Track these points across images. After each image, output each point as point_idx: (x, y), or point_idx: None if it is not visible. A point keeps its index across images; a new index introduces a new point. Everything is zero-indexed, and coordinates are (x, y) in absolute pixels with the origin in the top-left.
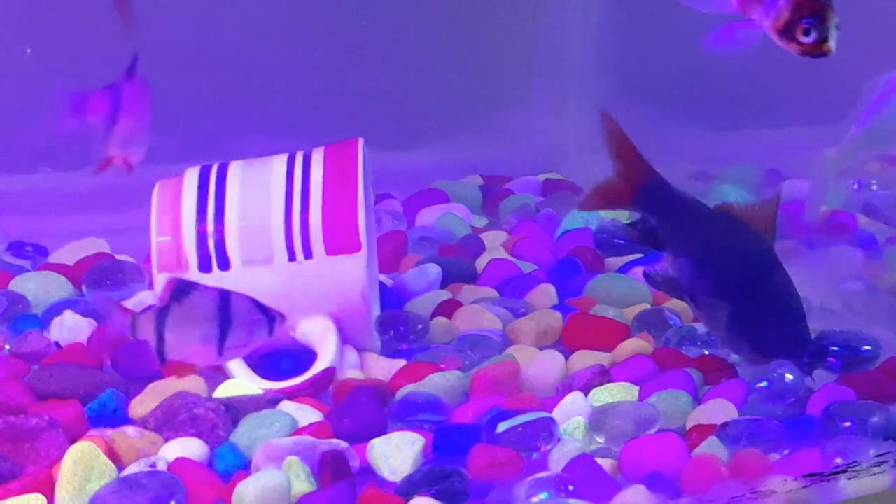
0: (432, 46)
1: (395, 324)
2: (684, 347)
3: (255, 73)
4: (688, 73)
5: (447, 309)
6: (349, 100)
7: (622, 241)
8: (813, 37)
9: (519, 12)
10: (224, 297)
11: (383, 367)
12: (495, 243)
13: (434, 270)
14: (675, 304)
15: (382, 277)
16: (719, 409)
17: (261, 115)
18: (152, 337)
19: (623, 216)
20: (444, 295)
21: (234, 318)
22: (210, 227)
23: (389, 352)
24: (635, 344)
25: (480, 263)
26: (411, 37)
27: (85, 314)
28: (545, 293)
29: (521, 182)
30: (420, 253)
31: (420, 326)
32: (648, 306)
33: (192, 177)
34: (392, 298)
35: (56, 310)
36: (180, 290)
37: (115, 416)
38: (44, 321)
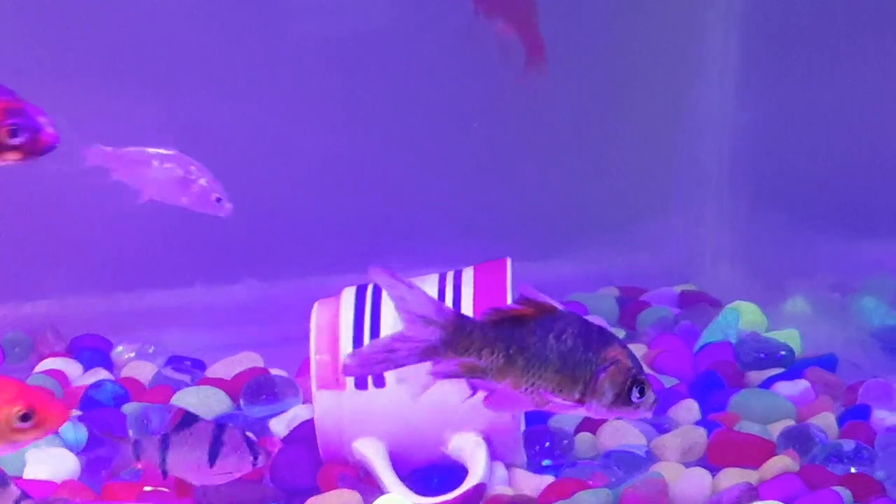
0: (570, 158)
1: (540, 439)
2: (830, 465)
3: (398, 187)
4: (825, 182)
5: (591, 424)
6: (490, 211)
7: (763, 356)
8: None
9: (657, 124)
10: (218, 428)
11: (531, 483)
12: None
13: None
14: (820, 420)
15: None
16: None
17: (407, 227)
18: (156, 457)
19: (762, 328)
20: None
21: (223, 447)
22: None
23: (534, 467)
24: (782, 461)
25: None
26: (549, 149)
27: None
28: (688, 408)
29: (657, 294)
30: None
31: (565, 442)
32: (793, 422)
33: (348, 296)
34: (535, 413)
35: None
36: (184, 421)
37: None
38: None
